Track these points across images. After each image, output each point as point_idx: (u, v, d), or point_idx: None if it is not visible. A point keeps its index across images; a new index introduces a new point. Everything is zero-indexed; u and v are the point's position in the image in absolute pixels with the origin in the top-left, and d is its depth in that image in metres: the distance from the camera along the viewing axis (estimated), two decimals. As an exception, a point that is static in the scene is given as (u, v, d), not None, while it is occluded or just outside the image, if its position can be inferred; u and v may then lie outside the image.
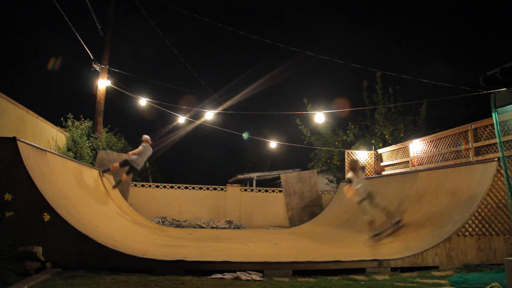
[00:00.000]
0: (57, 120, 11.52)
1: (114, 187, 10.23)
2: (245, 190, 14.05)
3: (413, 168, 10.54)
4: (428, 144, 10.28)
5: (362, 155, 13.16)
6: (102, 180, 9.59)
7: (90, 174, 9.00)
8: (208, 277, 4.93)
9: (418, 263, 5.74)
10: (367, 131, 15.21)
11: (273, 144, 16.77)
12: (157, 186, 12.92)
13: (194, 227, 11.80)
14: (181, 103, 18.66)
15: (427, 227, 6.69)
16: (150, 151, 10.02)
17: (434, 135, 10.12)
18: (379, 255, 6.05)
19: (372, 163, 13.00)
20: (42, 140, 9.91)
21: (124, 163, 9.79)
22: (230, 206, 13.03)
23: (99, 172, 9.71)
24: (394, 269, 5.60)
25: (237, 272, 5.04)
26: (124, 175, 10.10)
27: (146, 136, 10.03)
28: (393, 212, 7.36)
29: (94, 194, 8.39)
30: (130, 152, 9.97)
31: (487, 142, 8.18)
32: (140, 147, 9.85)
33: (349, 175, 7.50)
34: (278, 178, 17.40)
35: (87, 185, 8.20)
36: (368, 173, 12.90)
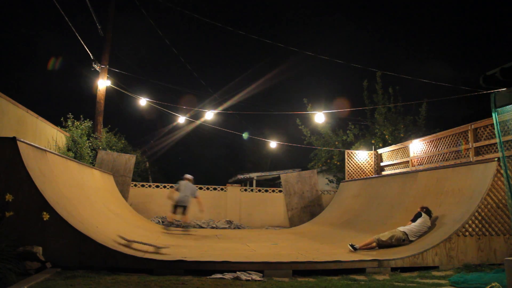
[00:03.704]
0: (57, 120, 11.52)
1: (167, 226, 10.47)
2: (245, 190, 14.05)
3: (413, 168, 10.54)
4: (428, 144, 10.28)
5: (362, 155, 13.16)
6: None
7: (90, 174, 9.00)
8: (208, 277, 4.93)
9: (418, 263, 5.74)
10: (367, 131, 15.22)
11: (273, 144, 16.78)
12: (157, 186, 12.91)
13: (194, 227, 11.80)
14: (181, 103, 18.68)
15: (427, 227, 6.69)
16: (189, 187, 10.27)
17: (434, 135, 10.12)
18: (379, 255, 6.05)
19: (372, 163, 13.00)
20: (42, 140, 9.90)
21: (174, 207, 10.11)
22: (230, 206, 13.03)
23: (164, 228, 10.08)
24: (394, 269, 5.60)
25: (237, 272, 5.04)
26: (182, 216, 10.31)
27: (187, 176, 10.47)
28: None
29: (94, 194, 8.38)
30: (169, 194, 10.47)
31: (487, 142, 8.18)
32: (175, 185, 10.37)
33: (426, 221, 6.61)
34: (278, 178, 17.39)
35: (87, 185, 8.20)
36: (368, 173, 12.91)
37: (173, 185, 12.94)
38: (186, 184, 10.28)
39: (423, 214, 6.62)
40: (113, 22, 14.20)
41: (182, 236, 9.16)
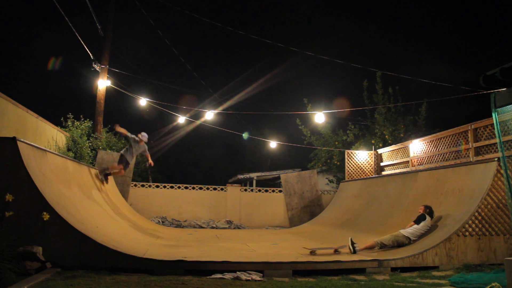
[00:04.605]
0: (57, 120, 11.54)
1: (102, 179, 9.39)
2: (245, 190, 14.06)
3: (413, 168, 10.54)
4: (428, 144, 10.28)
5: (362, 155, 13.16)
6: (103, 183, 9.34)
7: (90, 174, 9.00)
8: (208, 277, 4.93)
9: (418, 263, 5.74)
10: (367, 131, 15.22)
11: (273, 144, 16.78)
12: (157, 186, 12.91)
13: (194, 227, 11.80)
14: (181, 103, 18.69)
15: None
16: (139, 147, 9.36)
17: (434, 135, 10.12)
18: (379, 255, 6.05)
19: (372, 163, 13.00)
20: (42, 140, 9.90)
21: (121, 160, 9.37)
22: (230, 206, 13.03)
23: (100, 178, 9.31)
24: (394, 269, 5.60)
25: (237, 272, 5.04)
26: (115, 165, 9.48)
27: (143, 134, 9.43)
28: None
29: (94, 194, 8.38)
30: (118, 127, 9.21)
31: (487, 142, 8.18)
32: (132, 136, 9.34)
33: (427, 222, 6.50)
34: (278, 178, 17.40)
35: (87, 185, 8.20)
36: (368, 173, 12.91)
37: (172, 185, 12.97)
38: (141, 146, 9.44)
39: (427, 217, 6.50)
40: (113, 22, 14.20)
41: (182, 236, 9.16)
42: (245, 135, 19.34)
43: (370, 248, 6.52)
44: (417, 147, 10.72)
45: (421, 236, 6.45)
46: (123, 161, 9.43)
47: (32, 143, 5.90)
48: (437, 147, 9.86)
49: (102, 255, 5.11)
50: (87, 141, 12.20)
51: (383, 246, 6.48)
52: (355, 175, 12.96)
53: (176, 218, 12.34)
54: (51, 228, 5.08)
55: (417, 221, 6.53)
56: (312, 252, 6.22)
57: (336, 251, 6.34)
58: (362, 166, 13.08)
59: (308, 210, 12.91)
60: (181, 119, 15.90)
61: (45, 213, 5.04)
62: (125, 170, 9.70)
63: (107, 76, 13.91)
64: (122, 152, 9.49)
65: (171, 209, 12.57)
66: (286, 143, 17.79)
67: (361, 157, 13.14)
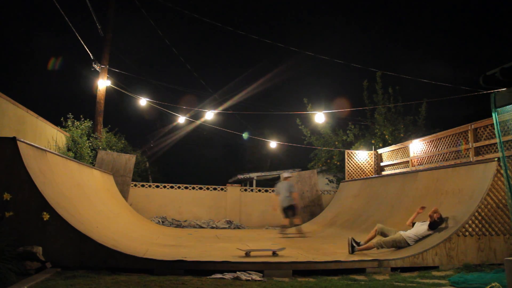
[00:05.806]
0: (57, 120, 11.53)
1: (300, 232, 9.78)
2: (245, 190, 14.07)
3: (413, 168, 10.55)
4: (428, 144, 10.28)
5: (362, 155, 13.16)
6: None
7: (90, 174, 9.00)
8: (208, 277, 4.93)
9: (418, 263, 5.74)
10: (367, 131, 15.22)
11: (273, 144, 16.78)
12: (157, 186, 12.92)
13: (194, 227, 11.81)
14: (181, 103, 18.68)
15: (427, 227, 6.66)
16: (284, 186, 9.95)
17: (434, 135, 10.12)
18: (379, 255, 6.05)
19: (372, 163, 13.00)
20: (42, 140, 9.90)
21: (283, 212, 9.84)
22: (230, 206, 13.04)
23: (301, 233, 9.65)
24: (394, 269, 5.60)
25: (237, 272, 5.04)
26: (295, 220, 9.96)
27: (283, 175, 10.40)
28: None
29: (94, 194, 8.38)
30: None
31: (487, 142, 8.18)
32: (276, 187, 10.16)
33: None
34: (278, 178, 17.38)
35: (87, 185, 8.20)
36: (368, 173, 12.91)
37: (172, 185, 12.97)
38: (282, 184, 10.08)
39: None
40: (113, 22, 14.20)
41: (182, 236, 9.14)
42: (245, 135, 19.35)
43: (369, 249, 6.50)
44: (417, 147, 10.72)
45: (419, 240, 6.38)
46: (291, 208, 9.80)
47: (32, 143, 5.90)
48: (437, 147, 9.86)
49: (102, 255, 5.11)
50: (87, 141, 12.20)
51: (381, 248, 6.46)
52: (355, 175, 12.96)
53: (176, 218, 12.34)
54: (51, 228, 5.08)
55: (433, 226, 6.27)
56: (247, 254, 6.02)
57: (274, 254, 6.11)
58: (362, 166, 13.07)
59: (308, 210, 12.91)
60: (181, 119, 15.92)
61: (45, 213, 5.04)
62: (296, 214, 10.07)
63: (107, 76, 13.91)
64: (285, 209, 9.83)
65: (171, 209, 12.57)
66: (286, 143, 17.80)
67: (361, 157, 13.14)
